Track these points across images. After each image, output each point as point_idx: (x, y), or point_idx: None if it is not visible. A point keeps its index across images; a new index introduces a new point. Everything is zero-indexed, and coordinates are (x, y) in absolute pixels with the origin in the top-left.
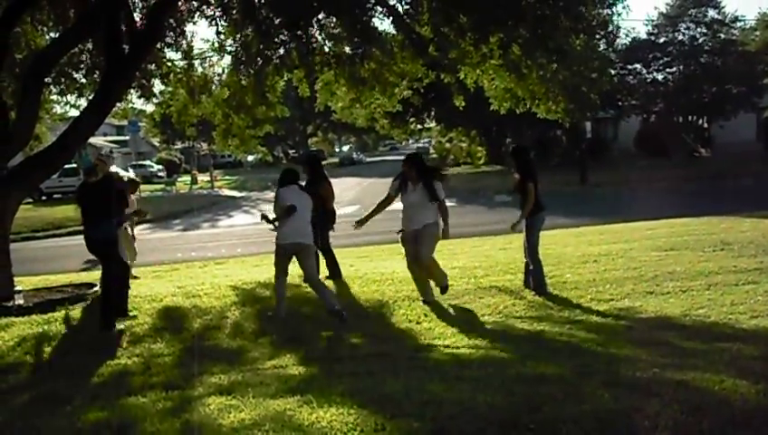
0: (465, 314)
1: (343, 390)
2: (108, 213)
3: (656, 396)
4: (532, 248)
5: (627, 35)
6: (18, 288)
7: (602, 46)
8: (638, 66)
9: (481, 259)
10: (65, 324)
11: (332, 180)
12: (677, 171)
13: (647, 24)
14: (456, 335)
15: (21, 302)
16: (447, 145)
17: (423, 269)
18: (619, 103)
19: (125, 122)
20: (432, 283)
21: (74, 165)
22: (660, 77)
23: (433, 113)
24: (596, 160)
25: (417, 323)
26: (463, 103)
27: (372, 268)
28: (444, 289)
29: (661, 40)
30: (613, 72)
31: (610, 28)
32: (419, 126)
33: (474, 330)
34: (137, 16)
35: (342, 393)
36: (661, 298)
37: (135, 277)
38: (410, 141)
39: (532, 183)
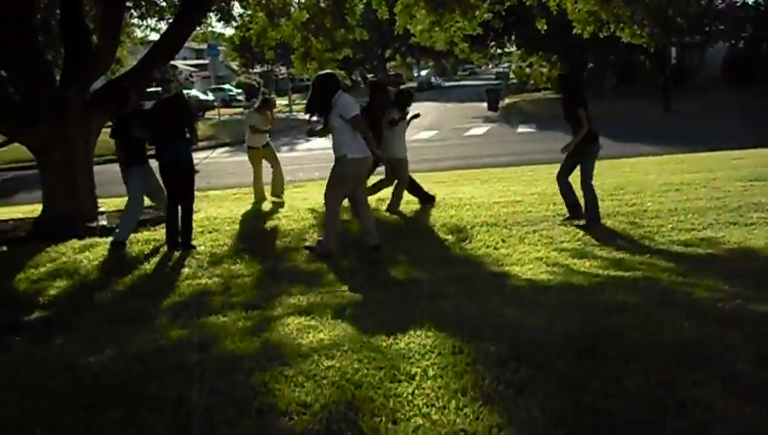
0: (543, 240)
1: (420, 312)
2: (184, 132)
3: (737, 327)
4: (585, 178)
5: None
6: (101, 209)
7: None
8: None
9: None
10: (147, 245)
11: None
12: (765, 100)
13: None
14: (534, 262)
15: (104, 223)
16: (528, 70)
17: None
18: (706, 29)
19: (204, 46)
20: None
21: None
22: (750, 1)
23: (513, 37)
24: (680, 87)
25: (495, 248)
26: (545, 27)
27: (450, 193)
28: (320, 254)
29: None
30: None
31: None
32: (499, 50)
33: (552, 256)
34: None
35: (419, 316)
36: (745, 229)
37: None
38: (490, 66)
39: (583, 108)
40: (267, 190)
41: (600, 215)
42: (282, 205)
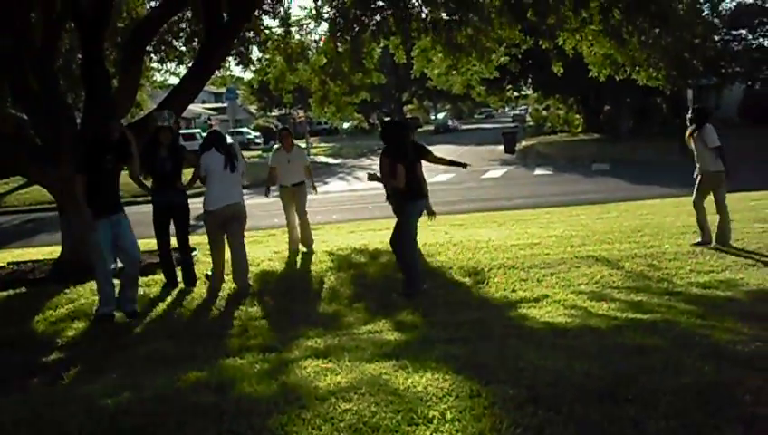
0: (561, 283)
1: (438, 356)
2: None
3: (758, 370)
4: (403, 240)
5: (732, 0)
6: None
7: (706, 11)
8: (743, 32)
9: (578, 228)
10: (165, 287)
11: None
12: None
13: None
14: (552, 304)
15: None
16: (544, 112)
17: None
18: (723, 70)
19: (223, 90)
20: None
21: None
22: (766, 43)
23: (530, 80)
24: None
25: (513, 291)
26: (561, 70)
27: (467, 236)
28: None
29: None
30: (717, 37)
31: None
32: (516, 93)
33: (570, 299)
34: None
35: (437, 359)
36: (764, 271)
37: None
38: (506, 109)
39: (400, 163)
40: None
41: (420, 284)
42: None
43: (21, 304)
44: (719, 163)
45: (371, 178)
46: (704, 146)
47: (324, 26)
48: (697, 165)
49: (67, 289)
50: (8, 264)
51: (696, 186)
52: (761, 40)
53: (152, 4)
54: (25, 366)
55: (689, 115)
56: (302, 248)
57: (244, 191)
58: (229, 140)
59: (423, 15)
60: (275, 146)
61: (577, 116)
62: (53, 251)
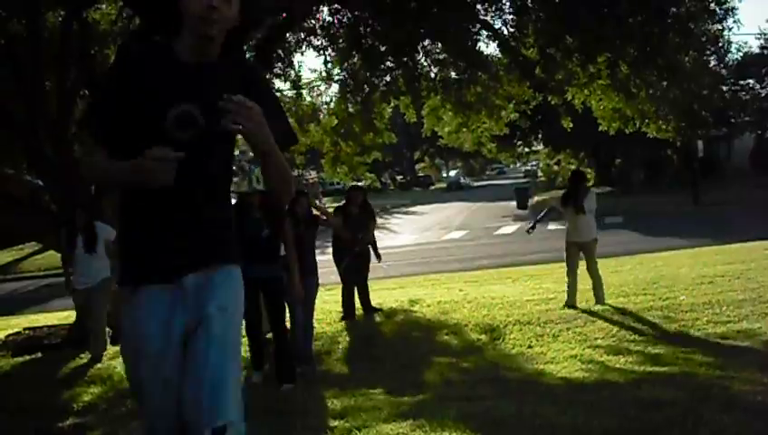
0: (577, 337)
1: (456, 414)
2: None
3: None
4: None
5: (738, 50)
6: None
7: (713, 62)
8: (750, 81)
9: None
10: None
11: (440, 205)
12: None
13: (759, 38)
14: (569, 359)
15: None
16: (556, 167)
17: None
18: (732, 120)
19: (237, 153)
20: None
21: None
22: None
23: (540, 136)
24: (709, 180)
25: (529, 347)
26: (571, 125)
27: (482, 293)
28: None
29: None
30: (725, 88)
31: (721, 43)
32: (527, 149)
33: (586, 354)
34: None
35: (455, 418)
36: None
37: None
38: (518, 165)
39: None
40: None
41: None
42: None
43: (37, 369)
44: (595, 230)
45: None
46: (581, 212)
47: (335, 88)
48: (569, 232)
49: (83, 354)
50: (24, 329)
51: (569, 254)
52: None
53: None
54: (41, 432)
55: (568, 182)
56: None
57: None
58: None
59: (432, 75)
60: None
61: (588, 170)
62: (69, 316)
